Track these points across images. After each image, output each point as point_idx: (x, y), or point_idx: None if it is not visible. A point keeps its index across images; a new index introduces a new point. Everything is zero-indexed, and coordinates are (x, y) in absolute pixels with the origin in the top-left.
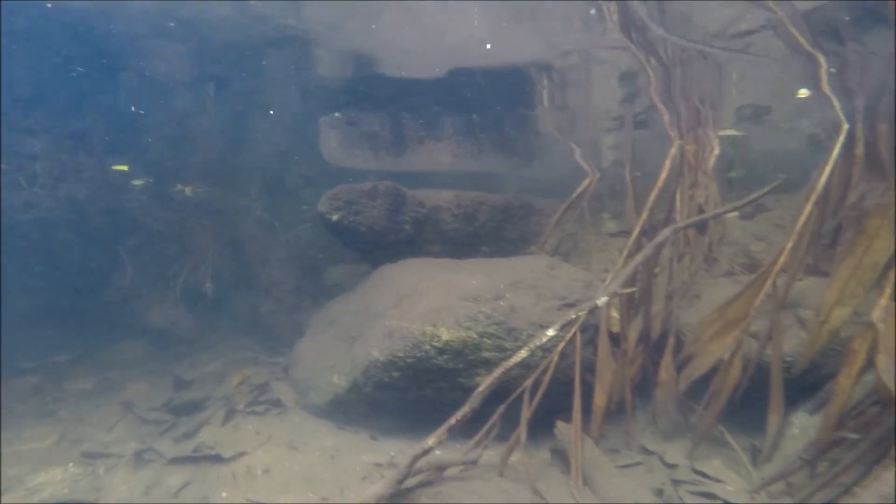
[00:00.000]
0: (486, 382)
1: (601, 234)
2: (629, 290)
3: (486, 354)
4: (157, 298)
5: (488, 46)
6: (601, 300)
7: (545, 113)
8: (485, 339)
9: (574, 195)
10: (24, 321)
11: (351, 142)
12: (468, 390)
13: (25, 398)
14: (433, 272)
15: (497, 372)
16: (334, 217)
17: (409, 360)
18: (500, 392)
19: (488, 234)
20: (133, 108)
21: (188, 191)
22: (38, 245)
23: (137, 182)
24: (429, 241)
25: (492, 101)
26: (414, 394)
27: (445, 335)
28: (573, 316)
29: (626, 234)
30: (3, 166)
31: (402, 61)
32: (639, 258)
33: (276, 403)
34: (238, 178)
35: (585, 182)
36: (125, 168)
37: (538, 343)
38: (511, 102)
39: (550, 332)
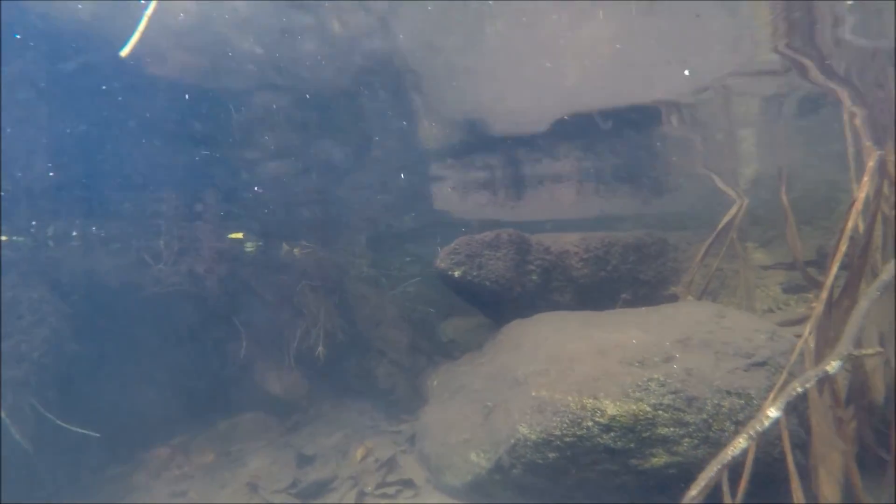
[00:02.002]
0: (698, 484)
1: (752, 267)
2: (873, 352)
3: (662, 431)
4: (272, 366)
5: (686, 73)
6: (833, 366)
7: (674, 136)
8: (660, 413)
9: (720, 225)
10: (151, 395)
11: (461, 190)
12: (641, 473)
13: (157, 473)
14: (576, 329)
15: (712, 468)
16: (455, 273)
17: (567, 439)
18: (680, 477)
19: (621, 277)
20: (255, 188)
21: (296, 251)
22: (162, 319)
23: (249, 247)
24: (557, 290)
25: (614, 139)
26: (573, 478)
27: (611, 409)
28: (798, 389)
29: (784, 266)
30: (133, 244)
31: (515, 114)
32: (864, 304)
33: (408, 484)
34: (342, 235)
35: (733, 209)
36: (240, 236)
37: (759, 428)
38: (636, 138)
39: (774, 413)
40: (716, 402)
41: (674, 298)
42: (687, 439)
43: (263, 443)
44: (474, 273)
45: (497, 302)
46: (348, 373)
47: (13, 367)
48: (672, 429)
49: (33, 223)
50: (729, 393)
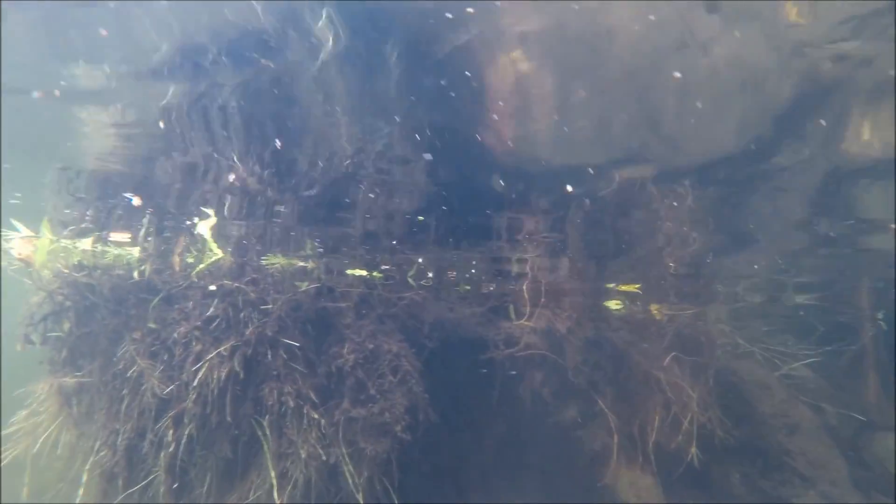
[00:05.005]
0: None
1: None
2: None
3: None
4: (624, 463)
5: None
6: None
7: None
8: None
9: None
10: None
11: None
12: None
13: None
14: None
15: None
16: None
17: None
18: None
19: None
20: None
21: (657, 313)
22: (507, 386)
23: (616, 305)
24: None
25: None
26: None
27: None
28: None
29: None
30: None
31: None
32: None
33: None
34: (709, 294)
35: None
36: (635, 288)
37: None
38: None
39: None
40: None
41: None
42: None
43: None
44: None
45: None
46: (729, 489)
47: (372, 440)
48: None
49: (389, 257)
50: None
